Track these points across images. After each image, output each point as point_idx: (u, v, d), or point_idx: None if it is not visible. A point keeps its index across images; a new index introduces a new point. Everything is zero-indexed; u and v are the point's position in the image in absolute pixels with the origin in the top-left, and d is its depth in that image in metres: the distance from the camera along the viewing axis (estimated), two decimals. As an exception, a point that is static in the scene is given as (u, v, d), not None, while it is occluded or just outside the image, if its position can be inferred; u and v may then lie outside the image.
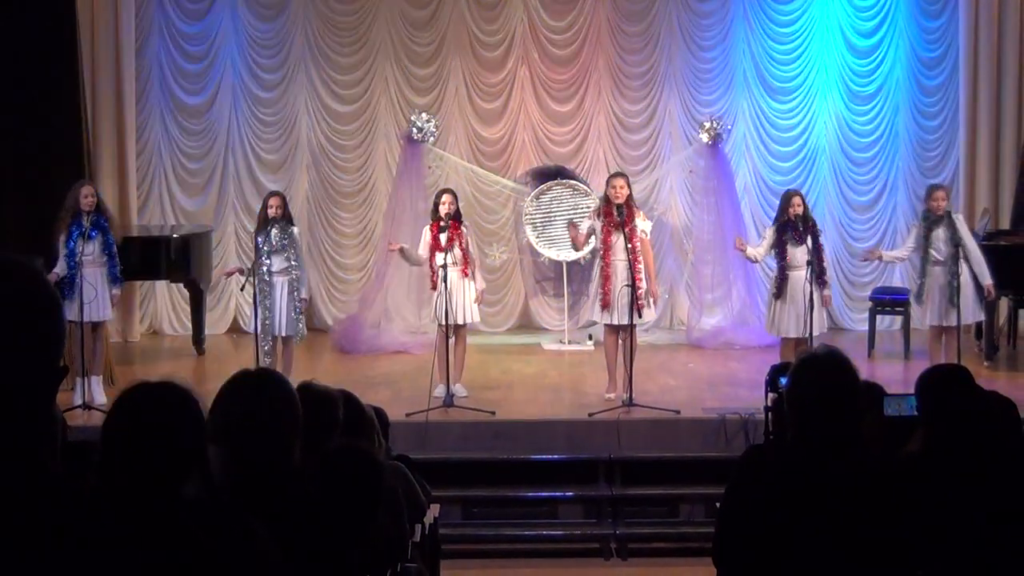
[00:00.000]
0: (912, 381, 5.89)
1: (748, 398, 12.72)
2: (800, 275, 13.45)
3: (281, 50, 17.86)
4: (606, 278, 13.38)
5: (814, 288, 13.27)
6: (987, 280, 13.79)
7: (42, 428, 2.55)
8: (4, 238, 13.85)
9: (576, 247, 15.22)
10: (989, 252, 14.24)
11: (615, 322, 13.39)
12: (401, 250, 13.94)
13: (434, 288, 13.45)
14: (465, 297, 13.59)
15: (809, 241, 13.38)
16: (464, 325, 13.72)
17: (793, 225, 13.52)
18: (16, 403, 2.50)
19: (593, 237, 13.92)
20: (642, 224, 13.54)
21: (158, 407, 3.30)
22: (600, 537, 11.84)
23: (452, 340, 13.38)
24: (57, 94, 14.38)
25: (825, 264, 13.75)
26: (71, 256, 13.01)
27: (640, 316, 13.31)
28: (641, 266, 13.32)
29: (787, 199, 13.75)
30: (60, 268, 12.95)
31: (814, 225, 13.70)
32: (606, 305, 13.38)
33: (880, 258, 15.19)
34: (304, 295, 13.79)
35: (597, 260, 13.70)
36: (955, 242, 13.62)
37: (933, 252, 13.80)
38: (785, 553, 4.60)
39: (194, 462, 3.29)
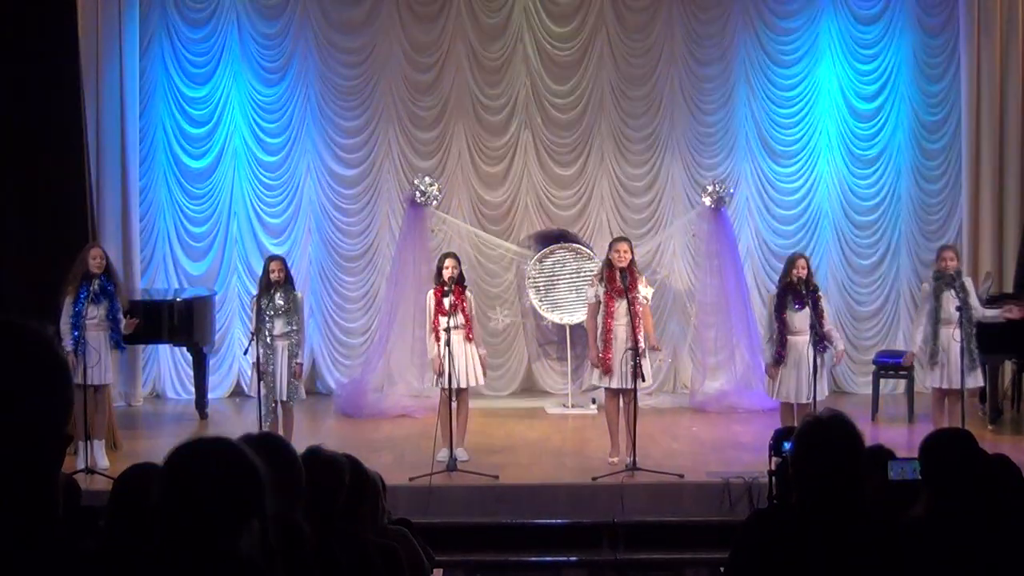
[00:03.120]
0: (916, 445, 5.88)
1: (752, 462, 12.67)
2: (800, 340, 13.43)
3: (285, 113, 17.93)
4: (607, 343, 13.38)
5: (817, 353, 13.27)
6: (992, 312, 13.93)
7: (47, 494, 2.55)
8: (10, 300, 13.85)
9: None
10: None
11: (616, 386, 13.39)
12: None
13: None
14: (467, 361, 13.59)
15: (811, 306, 13.37)
16: (466, 389, 13.72)
17: (795, 289, 13.50)
18: (23, 469, 2.50)
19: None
20: (644, 291, 13.55)
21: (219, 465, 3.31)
22: (604, 602, 11.78)
23: (455, 404, 13.37)
24: (62, 157, 14.42)
25: (828, 328, 13.66)
26: (77, 318, 13.03)
27: (643, 380, 13.31)
28: (642, 334, 13.32)
29: (790, 261, 13.74)
30: (67, 342, 12.95)
31: (816, 290, 13.67)
32: (607, 371, 13.39)
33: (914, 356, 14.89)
34: (299, 360, 13.78)
35: (599, 324, 13.67)
36: (962, 305, 13.61)
37: (942, 314, 13.76)
38: (790, 618, 4.58)
39: (249, 519, 3.30)
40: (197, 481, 3.26)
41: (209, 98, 17.86)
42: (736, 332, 16.92)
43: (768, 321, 13.92)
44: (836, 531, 4.58)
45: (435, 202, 16.93)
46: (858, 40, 18.04)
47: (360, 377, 16.89)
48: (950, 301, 13.70)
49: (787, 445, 5.26)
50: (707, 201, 16.96)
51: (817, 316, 13.37)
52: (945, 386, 13.85)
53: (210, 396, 16.63)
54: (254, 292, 14.31)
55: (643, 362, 13.21)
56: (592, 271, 15.90)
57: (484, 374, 13.96)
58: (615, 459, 13.40)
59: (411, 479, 12.51)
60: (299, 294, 13.96)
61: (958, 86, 17.63)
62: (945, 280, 13.79)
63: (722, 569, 5.03)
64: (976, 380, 14.04)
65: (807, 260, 13.83)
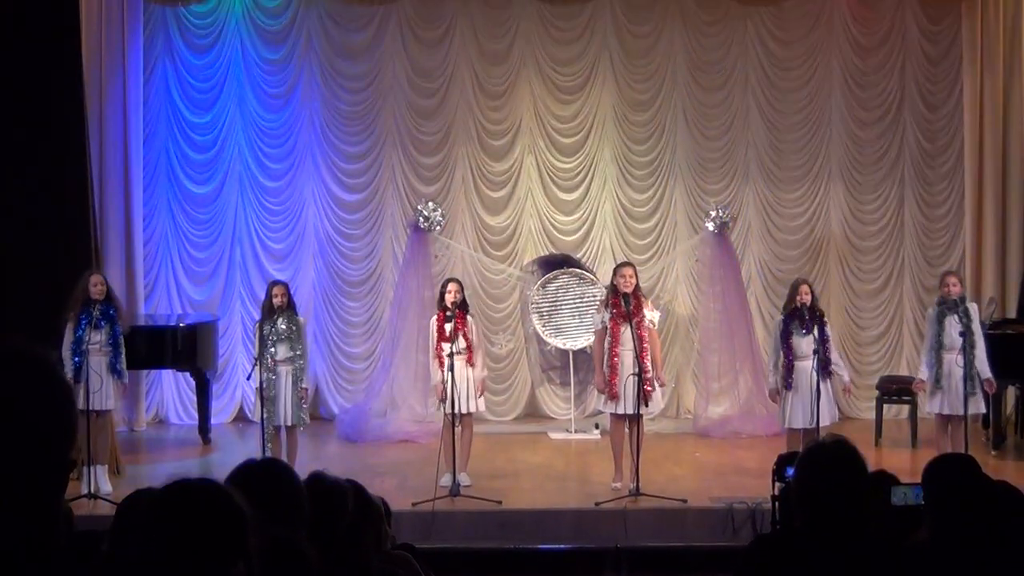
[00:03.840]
0: (919, 470, 5.87)
1: (755, 487, 12.65)
2: (806, 365, 13.42)
3: (288, 139, 17.94)
4: (613, 369, 13.38)
5: (821, 379, 13.26)
6: (987, 374, 13.74)
7: (50, 519, 2.55)
8: (13, 326, 13.85)
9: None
10: (995, 341, 14.23)
11: (622, 411, 13.38)
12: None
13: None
14: (468, 386, 13.59)
15: (816, 331, 13.38)
16: (469, 414, 13.72)
17: (799, 314, 13.51)
18: (26, 494, 2.50)
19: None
20: (650, 314, 13.56)
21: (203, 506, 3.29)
22: (607, 627, 11.76)
23: (458, 429, 13.37)
24: (66, 183, 14.44)
25: (833, 357, 13.64)
26: (78, 343, 13.05)
27: (647, 405, 13.31)
28: (649, 356, 13.35)
29: (794, 287, 13.75)
30: (68, 368, 12.98)
31: (821, 315, 13.68)
32: (613, 396, 13.38)
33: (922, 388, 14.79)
34: (305, 384, 13.76)
35: (604, 349, 13.69)
36: (965, 331, 13.59)
37: (945, 340, 13.77)
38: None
39: (235, 564, 3.27)
40: (179, 529, 3.24)
41: (213, 124, 17.88)
42: (739, 357, 16.91)
43: (773, 347, 13.92)
44: (839, 556, 4.57)
45: (438, 227, 16.92)
46: (860, 67, 18.06)
47: (363, 402, 16.90)
48: (953, 327, 13.70)
49: (790, 470, 5.25)
50: (710, 226, 16.96)
51: (822, 342, 13.37)
52: (948, 412, 13.83)
53: (213, 421, 16.62)
54: (257, 317, 14.31)
55: (650, 387, 13.27)
56: (595, 296, 15.95)
57: (480, 394, 13.91)
58: (619, 484, 13.38)
59: (414, 504, 12.50)
60: (302, 319, 13.96)
61: (960, 112, 17.66)
62: (948, 305, 13.79)
63: (725, 594, 5.00)
64: (978, 406, 14.02)
65: (810, 285, 13.84)
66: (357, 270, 18.03)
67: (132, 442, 16.36)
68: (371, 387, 16.94)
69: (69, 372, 12.91)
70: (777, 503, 9.98)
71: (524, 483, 14.01)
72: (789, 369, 13.56)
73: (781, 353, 13.64)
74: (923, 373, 14.04)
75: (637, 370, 13.11)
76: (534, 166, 18.10)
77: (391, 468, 14.53)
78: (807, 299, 13.51)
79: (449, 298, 13.51)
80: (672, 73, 18.07)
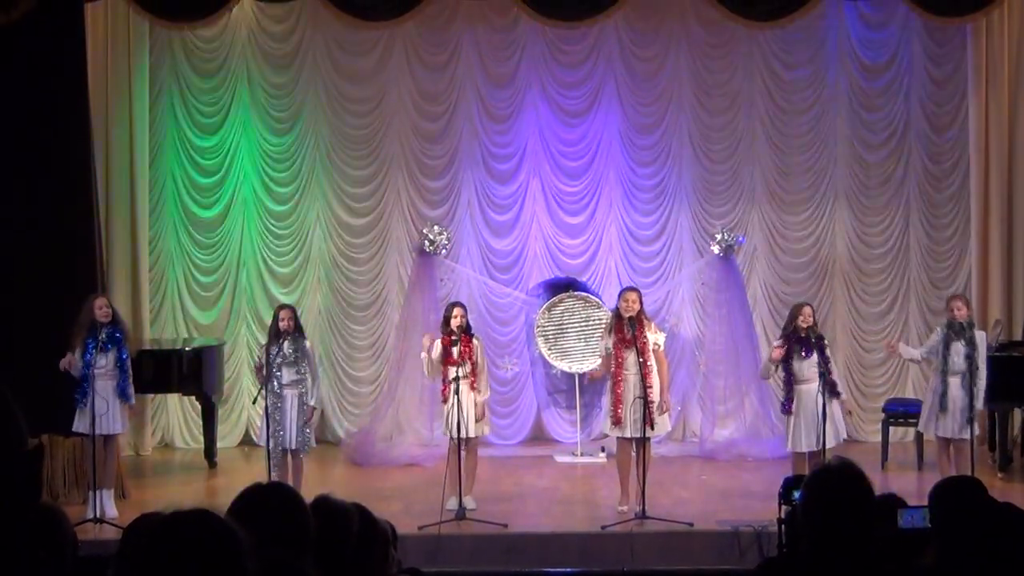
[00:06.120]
0: (926, 493, 5.87)
1: (761, 510, 12.64)
2: (808, 388, 13.46)
3: (294, 163, 17.93)
4: (617, 396, 13.38)
5: (827, 401, 13.27)
6: (980, 407, 13.95)
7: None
8: (19, 350, 13.87)
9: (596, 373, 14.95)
10: (1001, 363, 14.23)
11: (628, 435, 13.38)
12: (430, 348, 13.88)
13: (445, 401, 13.50)
14: (473, 410, 13.59)
15: (815, 354, 13.42)
16: (475, 437, 13.71)
17: (801, 338, 13.53)
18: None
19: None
20: (654, 337, 13.55)
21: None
22: (614, 652, 11.73)
23: (463, 452, 13.36)
24: (71, 206, 14.46)
25: (833, 376, 13.67)
26: (86, 368, 13.07)
27: (653, 429, 13.30)
28: (654, 379, 13.36)
29: (796, 310, 13.81)
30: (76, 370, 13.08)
31: (821, 338, 13.70)
32: (617, 422, 13.39)
33: (893, 349, 15.24)
34: (311, 402, 13.74)
35: (609, 373, 13.69)
36: (969, 357, 13.65)
37: (950, 363, 13.82)
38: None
39: None
40: (175, 557, 3.24)
41: (219, 148, 17.86)
42: (745, 380, 16.88)
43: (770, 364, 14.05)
44: (846, 580, 4.56)
45: (444, 251, 16.93)
46: (866, 89, 18.04)
47: (369, 426, 16.87)
48: (959, 352, 13.75)
49: (796, 494, 5.24)
50: (716, 249, 16.94)
51: (824, 362, 13.40)
52: (948, 435, 13.90)
53: (219, 445, 16.63)
54: (263, 341, 14.30)
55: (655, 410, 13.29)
56: (601, 319, 15.94)
57: (480, 418, 13.85)
58: (625, 507, 13.38)
59: (420, 528, 12.48)
60: (308, 343, 13.97)
61: (966, 134, 17.62)
62: (955, 329, 13.83)
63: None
64: (975, 428, 14.12)
65: (812, 309, 13.87)
66: (363, 294, 18.01)
67: (138, 466, 16.36)
68: (377, 411, 16.91)
69: (78, 397, 13.06)
70: (783, 526, 9.99)
71: (530, 506, 14.01)
72: (789, 393, 13.63)
73: (783, 376, 13.77)
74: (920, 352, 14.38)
75: (642, 393, 13.13)
76: (540, 189, 18.07)
77: (397, 492, 14.53)
78: (809, 321, 13.56)
79: (455, 322, 13.52)
80: (677, 96, 18.05)
